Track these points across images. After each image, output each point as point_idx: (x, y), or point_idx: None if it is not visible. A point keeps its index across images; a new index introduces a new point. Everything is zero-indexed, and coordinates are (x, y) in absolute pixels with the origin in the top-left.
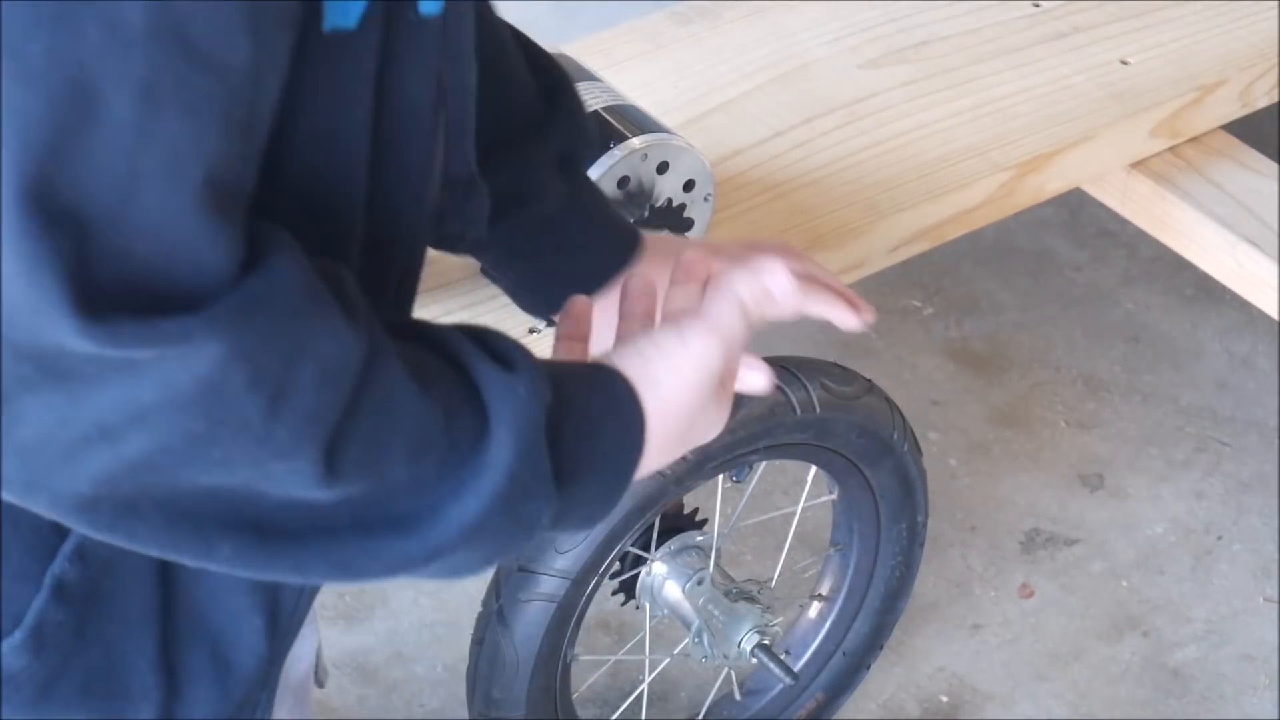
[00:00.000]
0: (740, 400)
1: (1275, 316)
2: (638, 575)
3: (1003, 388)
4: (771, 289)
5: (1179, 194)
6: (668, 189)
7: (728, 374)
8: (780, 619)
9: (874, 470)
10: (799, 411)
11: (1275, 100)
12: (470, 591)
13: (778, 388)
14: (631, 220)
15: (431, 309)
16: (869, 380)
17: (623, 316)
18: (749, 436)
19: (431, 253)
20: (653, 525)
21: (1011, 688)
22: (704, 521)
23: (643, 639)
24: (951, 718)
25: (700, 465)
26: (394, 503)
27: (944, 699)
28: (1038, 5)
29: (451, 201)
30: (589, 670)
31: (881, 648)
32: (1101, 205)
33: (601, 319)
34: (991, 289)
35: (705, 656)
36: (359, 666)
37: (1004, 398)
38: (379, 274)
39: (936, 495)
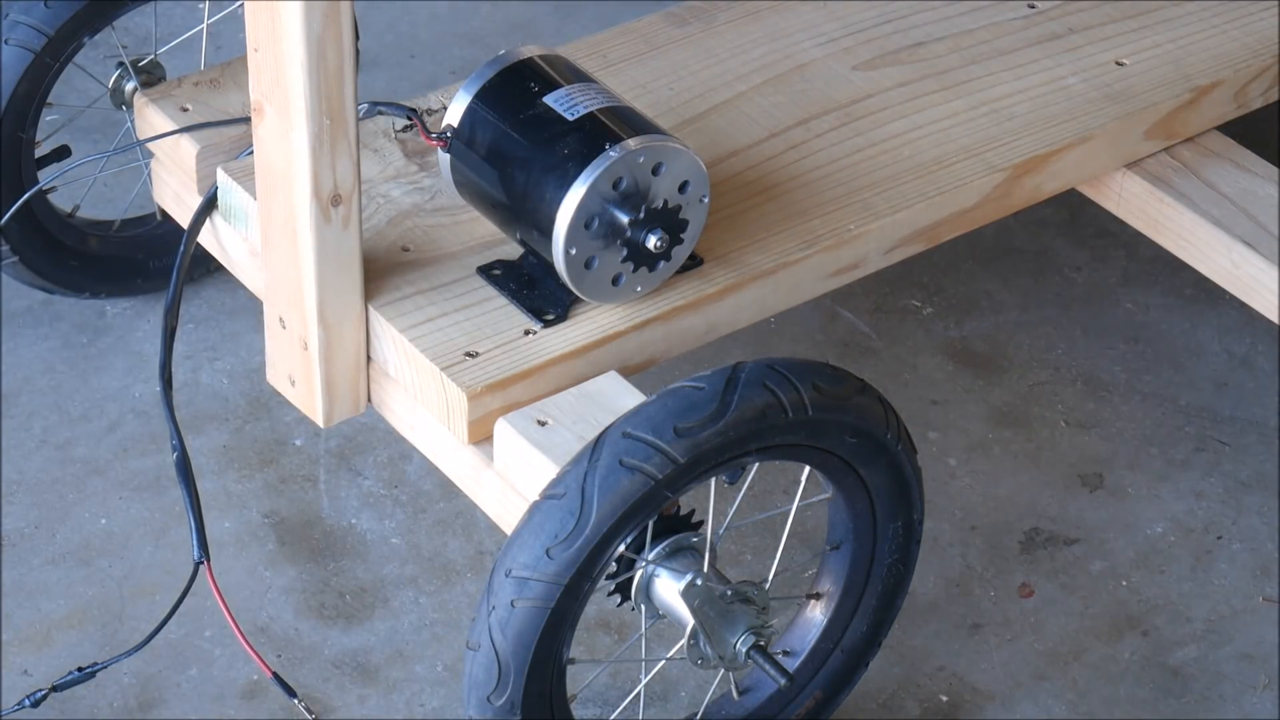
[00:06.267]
0: (731, 402)
1: (1271, 318)
2: (633, 578)
3: (1003, 388)
4: None
5: (1174, 195)
6: (663, 190)
7: None
8: (776, 620)
9: (868, 469)
10: (790, 413)
11: (1271, 101)
12: (470, 591)
13: (769, 389)
14: (626, 221)
15: (427, 310)
16: (861, 380)
17: None
18: (741, 438)
19: (426, 252)
20: (646, 527)
21: (1011, 688)
22: (699, 523)
23: (642, 639)
24: (951, 718)
25: (692, 468)
26: None
27: (944, 699)
28: (1033, 6)
29: None
30: (588, 670)
31: (880, 645)
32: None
33: None
34: (991, 289)
35: (701, 659)
36: (359, 666)
37: (1004, 398)
38: None
39: (936, 495)
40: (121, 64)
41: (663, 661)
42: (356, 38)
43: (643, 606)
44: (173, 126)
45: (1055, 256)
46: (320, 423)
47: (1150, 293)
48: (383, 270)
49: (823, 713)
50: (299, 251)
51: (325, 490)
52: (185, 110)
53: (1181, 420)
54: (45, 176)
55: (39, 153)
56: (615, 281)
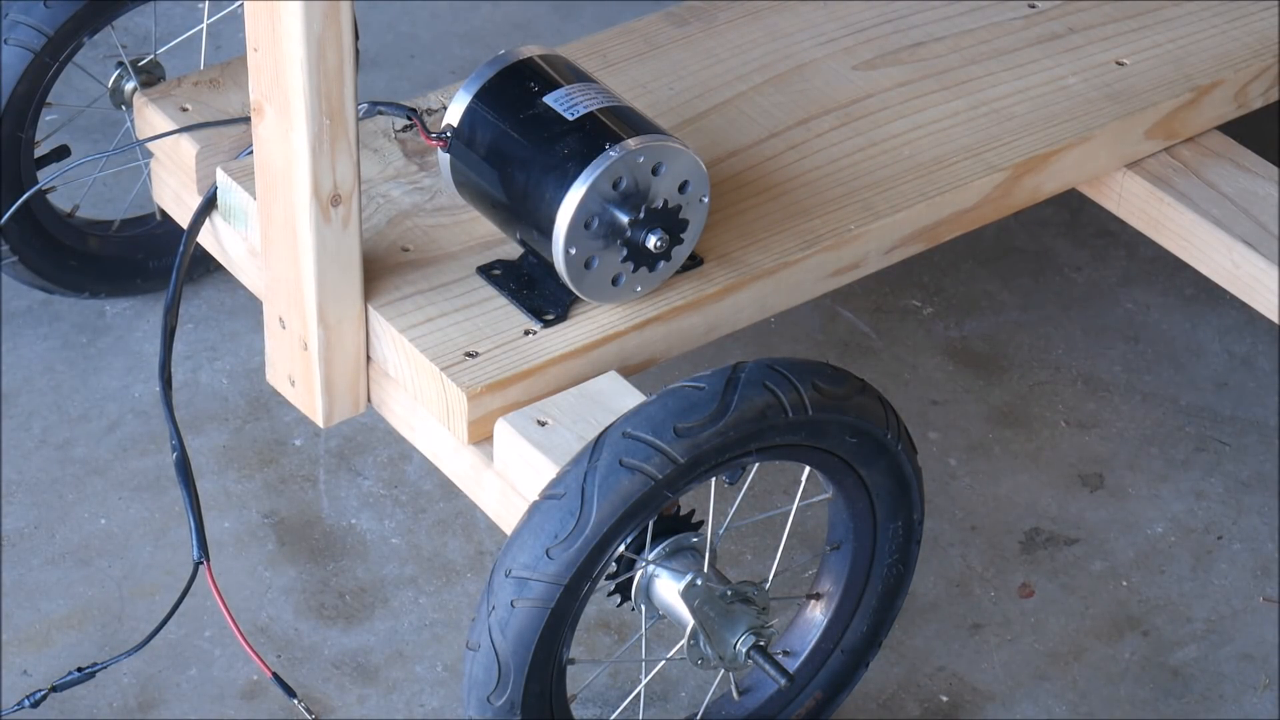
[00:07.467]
0: (731, 402)
1: (1272, 318)
2: (633, 578)
3: (1003, 388)
4: None
5: (1175, 195)
6: (663, 190)
7: None
8: (776, 620)
9: (868, 469)
10: (790, 413)
11: (1271, 101)
12: (470, 591)
13: (769, 389)
14: (626, 220)
15: (427, 310)
16: (861, 380)
17: None
18: (741, 439)
19: (426, 252)
20: (646, 527)
21: (1011, 688)
22: (699, 523)
23: (642, 639)
24: (951, 718)
25: (692, 468)
26: None
27: (944, 699)
28: (1033, 6)
29: None
30: (588, 670)
31: (880, 646)
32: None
33: None
34: (991, 289)
35: (701, 659)
36: (359, 666)
37: (1004, 398)
38: None
39: (936, 495)
40: (121, 64)
41: (663, 661)
42: (356, 38)
43: (643, 607)
44: (172, 126)
45: (1055, 256)
46: (320, 423)
47: (1150, 293)
48: (383, 270)
49: (823, 713)
50: (299, 251)
51: (325, 490)
52: (185, 110)
53: (1182, 420)
54: (45, 176)
55: (38, 152)
56: (615, 281)
